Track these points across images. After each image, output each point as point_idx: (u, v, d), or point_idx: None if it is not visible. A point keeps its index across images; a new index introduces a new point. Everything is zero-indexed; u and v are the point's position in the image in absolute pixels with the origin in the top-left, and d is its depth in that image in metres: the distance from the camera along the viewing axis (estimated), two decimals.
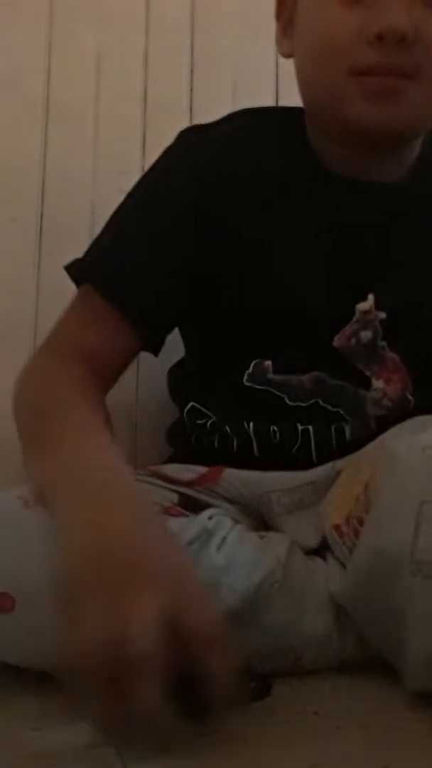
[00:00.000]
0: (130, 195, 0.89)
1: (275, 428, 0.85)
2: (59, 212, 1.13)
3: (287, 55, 0.85)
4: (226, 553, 0.71)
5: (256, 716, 0.64)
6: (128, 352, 0.86)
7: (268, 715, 0.64)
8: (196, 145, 0.87)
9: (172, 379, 0.97)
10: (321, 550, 0.77)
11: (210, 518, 0.74)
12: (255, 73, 1.17)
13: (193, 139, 0.88)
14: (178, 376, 0.96)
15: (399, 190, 0.85)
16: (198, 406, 0.89)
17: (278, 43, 0.87)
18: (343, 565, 0.72)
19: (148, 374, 0.94)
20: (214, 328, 0.90)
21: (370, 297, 0.84)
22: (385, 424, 0.82)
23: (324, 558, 0.76)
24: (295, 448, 0.84)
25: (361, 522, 0.71)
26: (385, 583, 0.65)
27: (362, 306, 0.84)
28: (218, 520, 0.75)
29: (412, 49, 0.76)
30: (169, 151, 0.89)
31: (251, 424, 0.85)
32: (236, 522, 0.78)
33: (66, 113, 1.16)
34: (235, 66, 1.17)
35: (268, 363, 0.85)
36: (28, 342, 1.10)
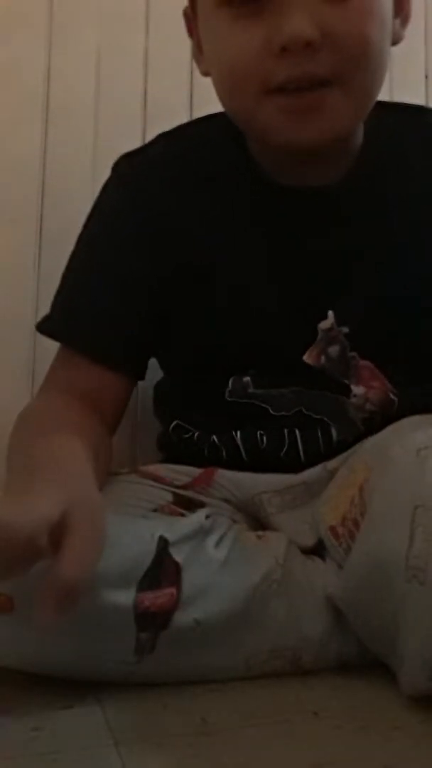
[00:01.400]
0: (81, 240, 0.88)
1: (262, 433, 0.84)
2: (59, 212, 1.13)
3: (205, 74, 0.81)
4: (224, 552, 0.71)
5: (256, 716, 0.64)
6: (120, 390, 0.87)
7: (268, 715, 0.64)
8: (131, 176, 0.86)
9: (156, 397, 0.97)
10: (319, 550, 0.77)
11: (207, 517, 0.74)
12: None
13: (126, 168, 0.87)
14: (160, 394, 0.96)
15: (342, 194, 0.82)
16: (183, 423, 0.89)
17: (195, 61, 0.83)
18: (340, 567, 0.72)
19: (148, 374, 0.94)
20: (186, 354, 0.89)
21: (330, 314, 0.82)
22: (371, 424, 0.82)
23: (323, 558, 0.76)
24: (283, 452, 0.84)
25: (356, 524, 0.71)
26: (379, 589, 0.65)
27: (323, 324, 0.82)
28: (216, 518, 0.75)
29: (322, 53, 0.71)
30: (107, 188, 0.88)
31: (238, 432, 0.85)
32: (234, 521, 0.78)
33: (66, 113, 1.15)
34: None
35: (247, 379, 0.85)
36: (28, 342, 1.10)
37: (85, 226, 0.88)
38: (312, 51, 0.71)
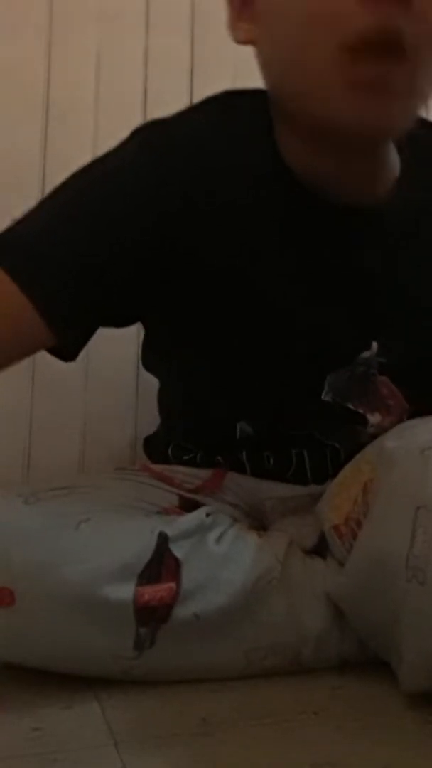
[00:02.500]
0: (76, 183, 0.76)
1: (269, 454, 0.83)
2: None
3: (246, 41, 0.73)
4: (225, 547, 0.71)
5: (256, 716, 0.64)
6: (32, 349, 0.75)
7: (268, 714, 0.64)
8: (157, 153, 0.74)
9: (150, 445, 0.94)
10: (320, 549, 0.77)
11: (208, 515, 0.74)
12: (254, 73, 1.17)
13: (155, 137, 0.75)
14: (156, 439, 0.93)
15: (387, 213, 0.76)
16: (184, 444, 0.87)
17: (233, 28, 0.74)
18: (341, 565, 0.72)
19: (149, 375, 0.94)
20: (194, 383, 0.84)
21: (374, 345, 0.78)
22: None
23: (324, 557, 0.76)
24: (290, 473, 0.83)
25: (359, 524, 0.71)
26: (380, 588, 0.65)
27: (365, 354, 0.78)
28: (216, 516, 0.75)
29: (409, 14, 0.64)
30: (126, 146, 0.76)
31: (243, 452, 0.84)
32: (235, 519, 0.78)
33: (66, 113, 1.15)
34: (235, 66, 1.17)
35: (249, 428, 0.82)
36: None
37: (87, 172, 0.76)
38: (402, 6, 0.64)
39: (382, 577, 0.65)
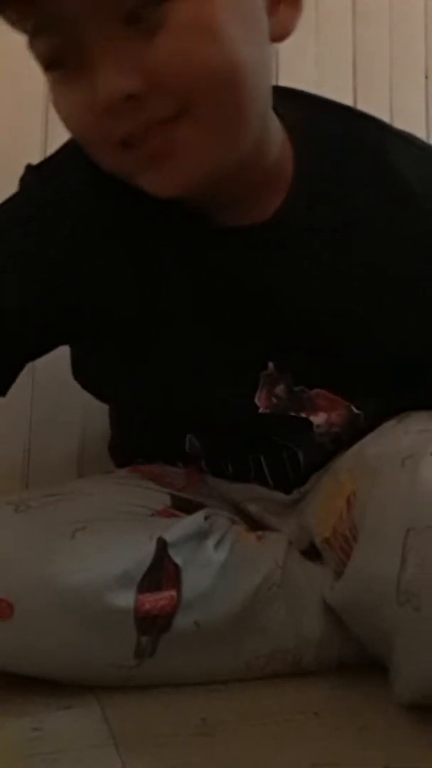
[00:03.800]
0: None
1: (227, 461, 0.82)
2: None
3: None
4: (224, 554, 0.71)
5: (256, 716, 0.64)
6: None
7: (268, 715, 0.64)
8: (42, 202, 0.74)
9: (112, 454, 0.94)
10: (313, 553, 0.76)
11: (206, 518, 0.74)
12: None
13: (34, 191, 0.76)
14: (114, 451, 0.94)
15: (271, 232, 0.73)
16: (144, 460, 0.87)
17: None
18: (337, 574, 0.71)
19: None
20: (139, 408, 0.84)
21: (270, 365, 0.77)
22: (340, 442, 0.79)
23: (320, 560, 0.76)
24: (251, 478, 0.82)
25: (346, 539, 0.70)
26: (372, 610, 0.64)
27: (265, 373, 0.77)
28: (215, 519, 0.75)
29: (154, 97, 0.61)
30: (12, 203, 0.76)
31: (203, 461, 0.83)
32: (233, 522, 0.78)
33: None
34: None
35: (196, 441, 0.82)
36: None
37: None
38: (140, 101, 0.61)
39: (374, 599, 0.64)
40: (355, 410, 0.79)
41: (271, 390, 0.77)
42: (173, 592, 0.67)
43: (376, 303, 0.75)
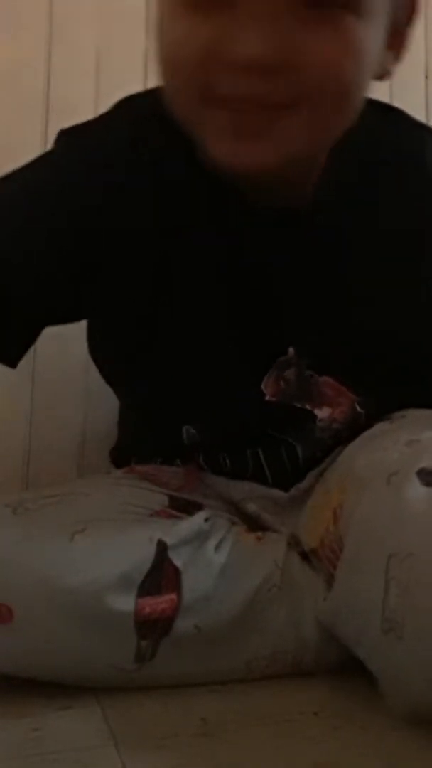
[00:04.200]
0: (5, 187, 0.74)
1: (225, 456, 0.82)
2: None
3: None
4: (224, 556, 0.71)
5: (256, 716, 0.64)
6: None
7: (268, 715, 0.64)
8: (74, 164, 0.73)
9: (113, 457, 0.94)
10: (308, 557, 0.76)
11: (206, 520, 0.74)
12: None
13: (67, 153, 0.75)
14: (117, 452, 0.93)
15: (307, 219, 0.73)
16: (144, 457, 0.86)
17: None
18: (327, 584, 0.70)
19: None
20: (140, 394, 0.84)
21: (291, 351, 0.76)
22: (339, 439, 0.79)
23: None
24: (248, 473, 0.82)
25: (333, 551, 0.69)
26: (358, 632, 0.64)
27: (282, 358, 0.77)
28: (215, 521, 0.75)
29: (279, 79, 0.59)
30: (49, 157, 0.76)
31: (201, 456, 0.83)
32: (233, 523, 0.77)
33: (66, 112, 1.15)
34: None
35: (194, 432, 0.81)
36: None
37: (17, 177, 0.74)
38: (267, 75, 0.59)
39: (358, 622, 0.64)
40: (359, 408, 0.79)
41: (280, 374, 0.77)
42: (173, 596, 0.67)
43: (397, 296, 0.76)
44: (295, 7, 0.58)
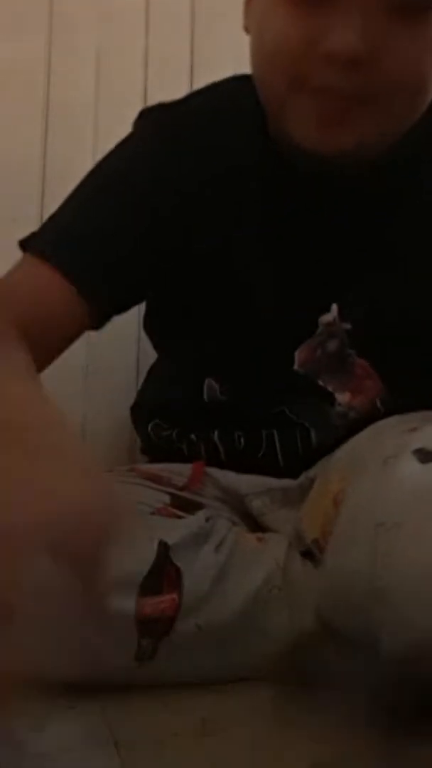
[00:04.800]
0: (91, 177, 0.82)
1: (239, 434, 0.83)
2: None
3: (246, 31, 0.75)
4: (225, 556, 0.71)
5: (256, 716, 0.64)
6: (70, 327, 0.78)
7: (268, 715, 0.64)
8: (159, 129, 0.81)
9: (134, 405, 0.95)
10: (310, 554, 0.76)
11: (207, 520, 0.74)
12: None
13: (161, 121, 0.82)
14: (139, 400, 0.95)
15: (367, 187, 0.77)
16: (161, 422, 0.88)
17: (244, 12, 0.76)
18: None
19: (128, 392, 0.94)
20: (174, 341, 0.87)
21: (334, 308, 0.79)
22: (354, 430, 0.80)
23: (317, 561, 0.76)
24: (261, 453, 0.83)
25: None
26: (349, 603, 0.63)
27: (325, 318, 0.79)
28: (216, 521, 0.75)
29: (365, 72, 0.66)
30: (134, 133, 0.84)
31: (216, 431, 0.84)
32: (233, 523, 0.77)
33: (66, 113, 1.16)
34: (235, 66, 1.17)
35: (219, 385, 0.82)
36: None
37: (103, 160, 0.83)
38: (355, 66, 0.65)
39: (348, 594, 0.62)
40: (378, 404, 0.81)
41: (322, 342, 0.80)
42: (174, 596, 0.67)
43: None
44: (386, 6, 0.65)
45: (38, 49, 1.15)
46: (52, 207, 1.12)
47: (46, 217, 1.13)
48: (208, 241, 0.79)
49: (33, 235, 0.80)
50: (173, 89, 1.17)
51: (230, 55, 1.19)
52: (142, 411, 0.93)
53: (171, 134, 0.80)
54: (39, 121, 1.15)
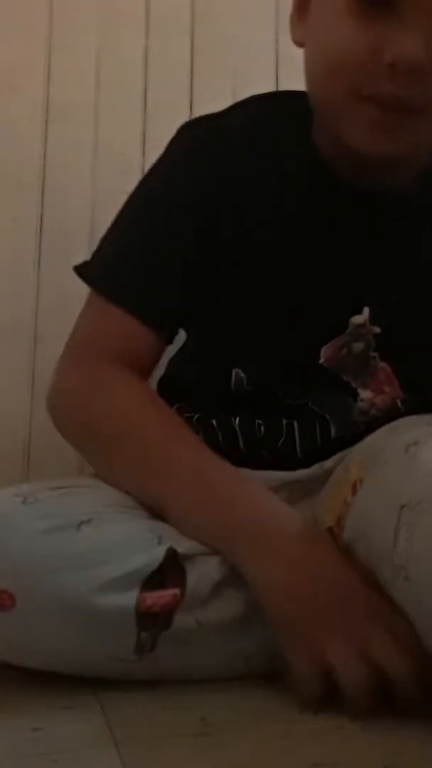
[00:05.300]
0: (135, 195, 0.87)
1: (260, 422, 0.84)
2: (59, 212, 1.13)
3: (298, 43, 0.78)
4: (229, 568, 0.71)
5: (256, 716, 0.64)
6: (154, 349, 0.85)
7: (268, 715, 0.64)
8: (202, 142, 0.84)
9: (160, 389, 0.95)
10: None
11: None
12: (255, 74, 1.17)
13: (200, 133, 0.85)
14: (164, 383, 0.94)
15: (403, 199, 0.81)
16: (184, 405, 0.88)
17: (292, 25, 0.80)
18: None
19: (151, 378, 0.94)
20: (206, 330, 0.89)
21: (365, 310, 0.82)
22: (373, 427, 0.81)
23: None
24: (280, 443, 0.84)
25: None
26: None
27: (356, 319, 0.82)
28: None
29: (425, 79, 0.70)
30: (176, 147, 0.86)
31: (237, 418, 0.85)
32: None
33: (66, 113, 1.15)
34: (235, 66, 1.17)
35: (245, 376, 0.84)
36: (28, 342, 1.10)
37: (145, 180, 0.87)
38: (416, 76, 0.69)
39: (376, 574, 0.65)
40: (399, 404, 0.83)
41: (348, 342, 0.82)
42: (177, 591, 0.68)
43: None
44: None
45: (38, 49, 1.15)
46: (52, 207, 1.13)
47: (47, 218, 1.14)
48: (253, 245, 0.82)
49: (95, 266, 0.85)
50: (173, 89, 1.17)
51: (230, 56, 1.19)
52: (166, 390, 0.93)
53: (213, 148, 0.83)
54: (39, 121, 1.15)
